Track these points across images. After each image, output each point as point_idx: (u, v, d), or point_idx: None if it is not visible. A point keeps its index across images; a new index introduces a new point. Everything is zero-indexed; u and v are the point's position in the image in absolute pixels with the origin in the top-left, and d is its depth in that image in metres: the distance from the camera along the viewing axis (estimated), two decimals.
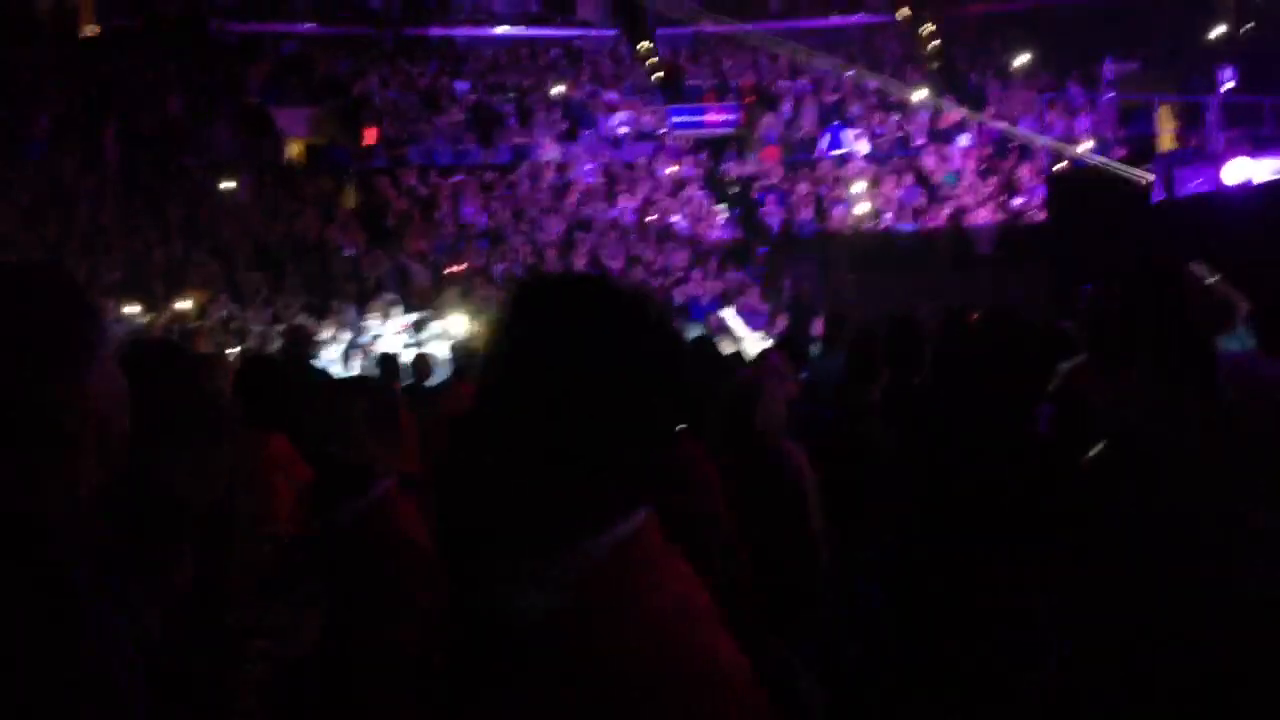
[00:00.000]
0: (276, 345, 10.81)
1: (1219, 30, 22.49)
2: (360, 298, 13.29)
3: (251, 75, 21.17)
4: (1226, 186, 11.98)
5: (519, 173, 18.72)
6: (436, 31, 24.91)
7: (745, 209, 18.54)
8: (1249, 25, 22.68)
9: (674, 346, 1.30)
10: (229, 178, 17.12)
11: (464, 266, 14.74)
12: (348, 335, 11.76)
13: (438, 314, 12.74)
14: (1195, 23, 22.65)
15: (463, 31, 25.28)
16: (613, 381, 1.19)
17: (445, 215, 16.93)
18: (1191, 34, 22.41)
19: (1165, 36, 22.76)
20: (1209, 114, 14.35)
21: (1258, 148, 13.48)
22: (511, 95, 21.69)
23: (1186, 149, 15.85)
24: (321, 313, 12.30)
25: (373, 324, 12.08)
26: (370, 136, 19.62)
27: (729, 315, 13.94)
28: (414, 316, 12.39)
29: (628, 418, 1.21)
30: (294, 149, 19.85)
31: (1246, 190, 11.60)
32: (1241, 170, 12.11)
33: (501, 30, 25.61)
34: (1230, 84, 17.23)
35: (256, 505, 3.40)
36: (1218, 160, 12.52)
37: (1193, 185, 12.29)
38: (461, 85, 21.85)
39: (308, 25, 24.11)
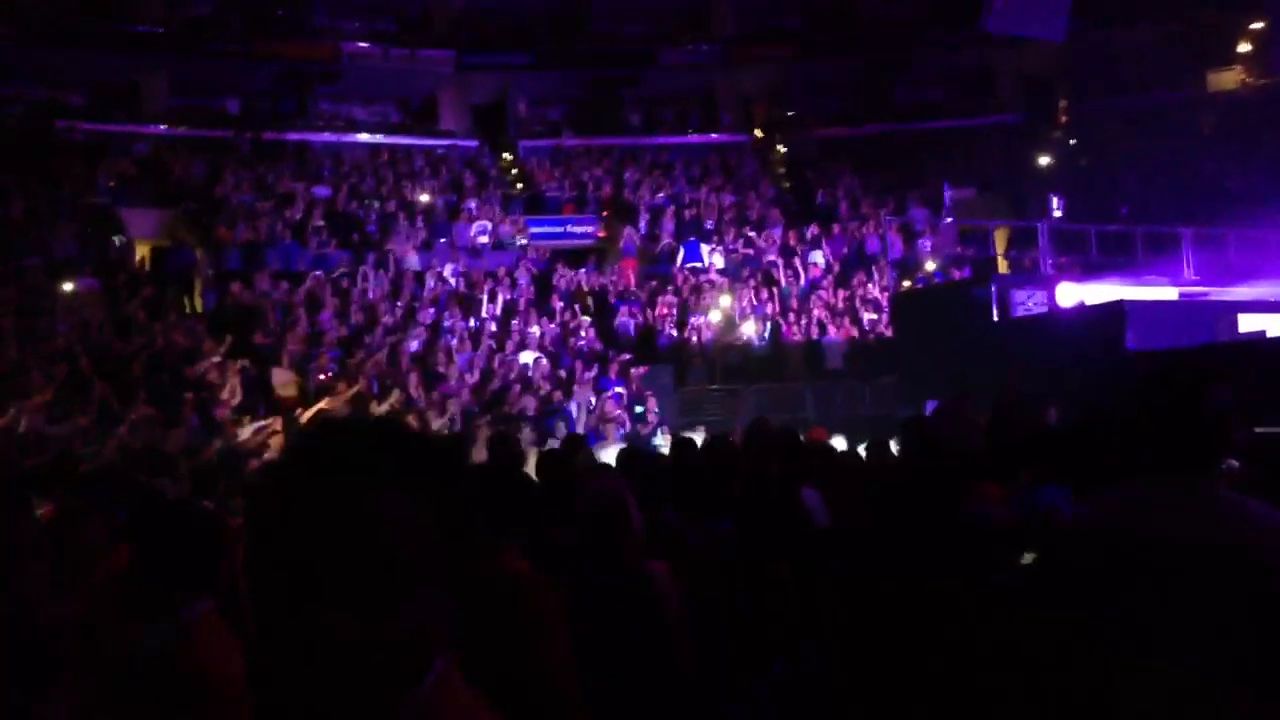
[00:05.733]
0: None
1: (1047, 160, 24.13)
2: (207, 407, 12.87)
3: (100, 175, 20.63)
4: (1060, 307, 12.68)
5: (378, 279, 18.55)
6: (294, 137, 24.79)
7: (602, 319, 18.75)
8: (1076, 157, 24.34)
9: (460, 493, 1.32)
10: (69, 279, 16.49)
11: (327, 375, 14.44)
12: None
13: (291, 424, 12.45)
14: (1026, 153, 24.29)
15: (322, 138, 25.23)
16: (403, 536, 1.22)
17: (301, 321, 16.60)
18: (1023, 164, 24.00)
19: (999, 165, 24.30)
20: (1040, 239, 15.22)
21: (1085, 272, 14.38)
22: (371, 202, 21.63)
23: (1019, 271, 16.78)
24: (169, 424, 11.82)
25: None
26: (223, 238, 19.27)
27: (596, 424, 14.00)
28: (254, 425, 12.08)
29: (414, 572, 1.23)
30: (142, 251, 19.31)
31: (1079, 311, 12.30)
32: (1073, 293, 12.86)
33: (363, 137, 25.67)
34: (1058, 212, 18.40)
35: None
36: (1049, 282, 13.26)
37: (1025, 305, 12.96)
38: (321, 191, 21.70)
39: (160, 127, 23.74)
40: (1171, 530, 2.45)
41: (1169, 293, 13.57)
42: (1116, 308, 11.22)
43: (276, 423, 12.56)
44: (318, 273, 18.23)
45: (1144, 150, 23.06)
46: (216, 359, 14.33)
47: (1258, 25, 24.24)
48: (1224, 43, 24.61)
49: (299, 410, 13.21)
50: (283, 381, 14.45)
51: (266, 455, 11.09)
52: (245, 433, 12.22)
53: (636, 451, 6.77)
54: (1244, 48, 24.63)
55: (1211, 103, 24.35)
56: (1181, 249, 14.71)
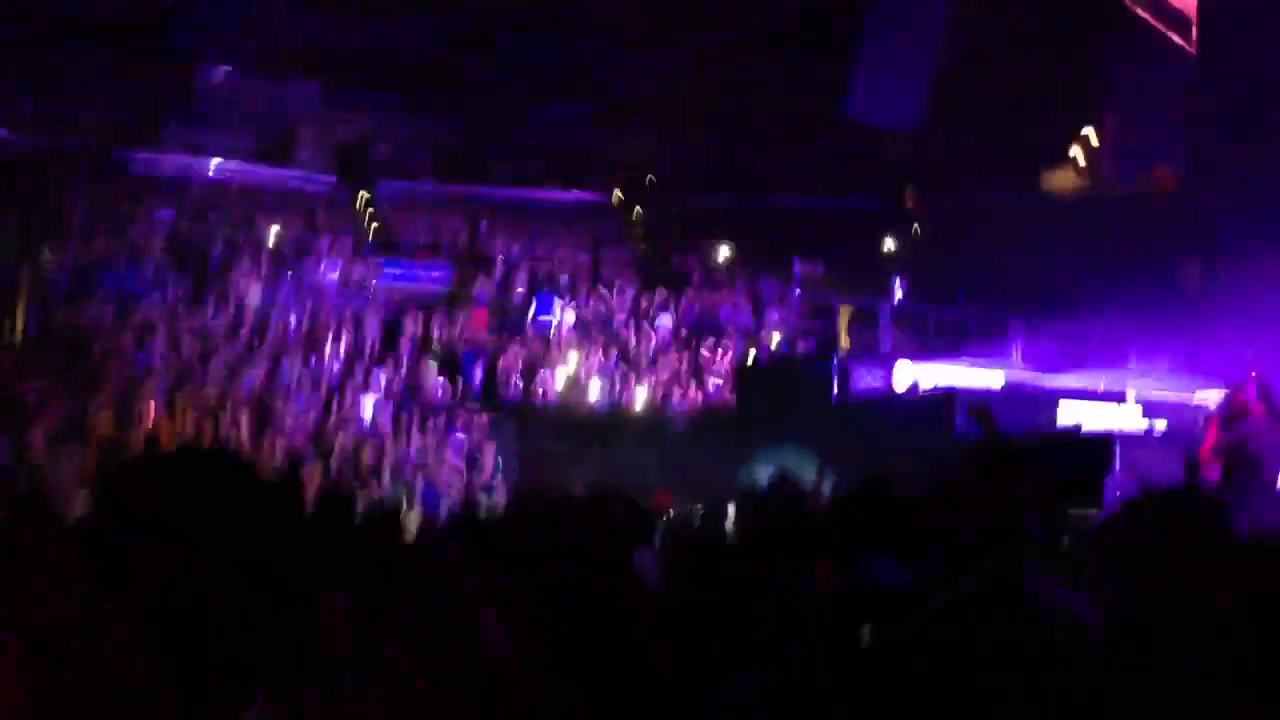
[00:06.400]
0: None
1: (891, 244, 25.13)
2: (19, 435, 12.17)
3: None
4: (895, 388, 13.13)
5: (217, 312, 17.94)
6: (142, 157, 23.90)
7: (450, 369, 18.51)
8: (920, 242, 25.33)
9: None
10: None
11: (153, 409, 13.83)
12: None
13: None
14: (874, 234, 25.23)
15: (170, 159, 24.37)
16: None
17: (129, 351, 15.89)
18: (870, 245, 24.91)
19: (847, 245, 25.16)
20: (881, 318, 15.76)
21: (922, 353, 14.93)
22: (218, 231, 20.96)
23: (860, 349, 17.31)
24: None
25: None
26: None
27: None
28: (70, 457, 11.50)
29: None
30: None
31: (913, 394, 12.76)
32: (909, 373, 13.34)
33: (214, 163, 24.90)
34: (900, 294, 19.10)
35: None
36: (887, 361, 13.72)
37: (865, 383, 13.36)
38: (164, 214, 20.92)
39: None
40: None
41: (997, 377, 14.19)
42: (947, 395, 11.69)
43: (92, 455, 11.98)
44: (152, 300, 17.53)
45: (983, 241, 24.21)
46: (35, 385, 13.60)
47: (1088, 132, 25.76)
48: (1058, 147, 26.06)
49: (118, 444, 12.62)
50: (104, 413, 13.77)
51: (79, 488, 10.53)
52: (60, 463, 11.60)
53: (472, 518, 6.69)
54: (1075, 152, 26.13)
55: (1045, 202, 25.70)
56: (1010, 337, 15.41)
